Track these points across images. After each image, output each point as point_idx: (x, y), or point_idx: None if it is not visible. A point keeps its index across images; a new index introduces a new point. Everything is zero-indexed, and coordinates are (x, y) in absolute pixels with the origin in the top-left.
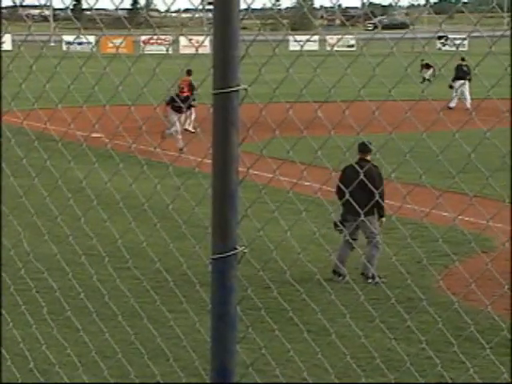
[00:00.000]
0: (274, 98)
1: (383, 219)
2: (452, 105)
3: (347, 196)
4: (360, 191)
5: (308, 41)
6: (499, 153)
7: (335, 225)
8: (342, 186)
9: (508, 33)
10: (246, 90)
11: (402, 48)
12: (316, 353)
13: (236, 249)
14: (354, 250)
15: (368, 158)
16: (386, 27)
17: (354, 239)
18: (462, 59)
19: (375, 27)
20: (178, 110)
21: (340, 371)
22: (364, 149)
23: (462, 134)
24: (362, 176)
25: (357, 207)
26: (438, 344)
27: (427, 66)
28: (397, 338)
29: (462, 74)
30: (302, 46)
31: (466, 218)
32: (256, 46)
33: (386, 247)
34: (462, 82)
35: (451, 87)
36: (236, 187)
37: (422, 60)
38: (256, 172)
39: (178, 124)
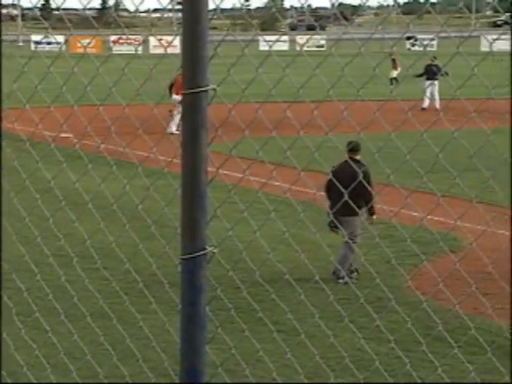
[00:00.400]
0: (243, 98)
1: (374, 217)
2: (425, 105)
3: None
4: (350, 191)
5: (277, 41)
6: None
7: (330, 225)
8: (336, 185)
9: (475, 33)
10: (214, 90)
11: (372, 48)
12: (286, 353)
13: (205, 249)
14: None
15: (357, 157)
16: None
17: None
18: (432, 59)
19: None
20: None
21: (310, 371)
22: (353, 148)
23: (431, 134)
24: (359, 177)
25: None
26: (408, 343)
27: (394, 64)
28: (367, 338)
29: (431, 74)
30: (270, 46)
31: (436, 218)
32: (226, 46)
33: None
34: (431, 82)
35: (419, 76)
36: (205, 187)
37: (391, 55)
38: (226, 172)
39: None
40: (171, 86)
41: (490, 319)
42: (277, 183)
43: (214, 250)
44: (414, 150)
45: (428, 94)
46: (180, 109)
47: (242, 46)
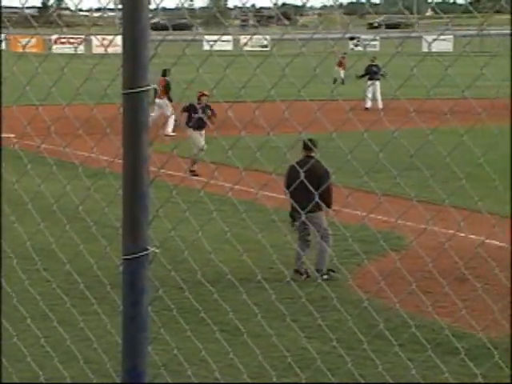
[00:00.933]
0: (184, 98)
1: (330, 211)
2: (368, 105)
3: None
4: (307, 188)
5: (221, 41)
6: (408, 153)
7: (291, 216)
8: (296, 182)
9: (414, 34)
10: (155, 89)
11: (315, 48)
12: (229, 352)
13: (147, 249)
14: (305, 248)
15: (313, 154)
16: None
17: (308, 234)
18: (372, 59)
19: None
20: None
21: (254, 371)
22: (309, 146)
23: (373, 134)
24: (319, 174)
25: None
26: (350, 342)
27: (340, 64)
28: (310, 337)
29: (372, 74)
30: (211, 46)
31: (379, 217)
32: (170, 45)
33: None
34: (372, 82)
35: (362, 76)
36: (147, 187)
37: (345, 53)
38: (170, 172)
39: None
40: (155, 90)
41: (431, 317)
42: (220, 183)
43: (156, 250)
44: (357, 150)
45: (369, 94)
46: (170, 110)
47: (183, 46)
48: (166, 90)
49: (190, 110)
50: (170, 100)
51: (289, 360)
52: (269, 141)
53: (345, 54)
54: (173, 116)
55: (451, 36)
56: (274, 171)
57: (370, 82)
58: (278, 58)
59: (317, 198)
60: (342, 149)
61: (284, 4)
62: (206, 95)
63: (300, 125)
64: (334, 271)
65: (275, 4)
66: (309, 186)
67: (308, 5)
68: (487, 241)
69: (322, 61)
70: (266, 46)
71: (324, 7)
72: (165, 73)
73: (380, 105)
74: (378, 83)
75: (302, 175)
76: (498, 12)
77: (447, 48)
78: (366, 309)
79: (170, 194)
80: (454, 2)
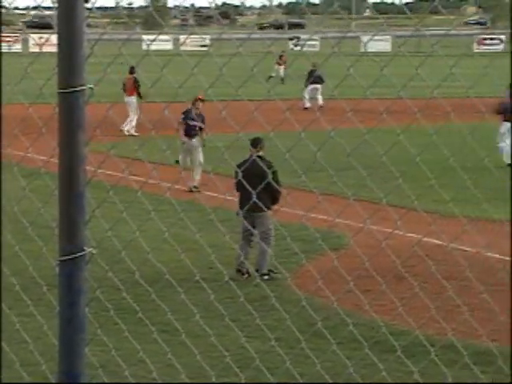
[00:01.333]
0: (120, 98)
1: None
2: (307, 105)
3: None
4: (255, 187)
5: (161, 40)
6: (345, 152)
7: (237, 214)
8: (244, 181)
9: (350, 34)
10: (91, 89)
11: (256, 48)
12: (167, 353)
13: (84, 250)
14: (250, 247)
15: (261, 153)
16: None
17: (251, 235)
18: (314, 65)
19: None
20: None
21: (193, 371)
22: (256, 144)
23: (311, 134)
24: (267, 174)
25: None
26: (290, 341)
27: (280, 61)
28: (251, 336)
29: (314, 78)
30: (148, 46)
31: (320, 216)
32: (108, 45)
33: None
34: (314, 86)
35: (307, 83)
36: (83, 187)
37: (283, 51)
38: (109, 172)
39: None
40: (124, 88)
41: (369, 315)
42: (157, 182)
43: (94, 251)
44: (295, 150)
45: (307, 95)
46: (134, 109)
47: (119, 45)
48: (135, 87)
49: (187, 116)
50: (140, 97)
51: (228, 360)
52: (207, 140)
53: (283, 52)
54: (135, 116)
55: (389, 36)
56: (212, 171)
57: (312, 87)
58: (218, 58)
59: (255, 197)
60: (280, 148)
61: (224, 4)
62: (201, 100)
63: (238, 124)
64: (274, 271)
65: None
66: (247, 185)
67: (247, 4)
68: (426, 239)
69: (260, 61)
70: (206, 46)
71: (263, 7)
72: (132, 70)
73: (320, 101)
74: (319, 86)
75: (241, 175)
76: (434, 13)
77: (385, 48)
78: (305, 308)
79: (107, 194)
80: (393, 3)
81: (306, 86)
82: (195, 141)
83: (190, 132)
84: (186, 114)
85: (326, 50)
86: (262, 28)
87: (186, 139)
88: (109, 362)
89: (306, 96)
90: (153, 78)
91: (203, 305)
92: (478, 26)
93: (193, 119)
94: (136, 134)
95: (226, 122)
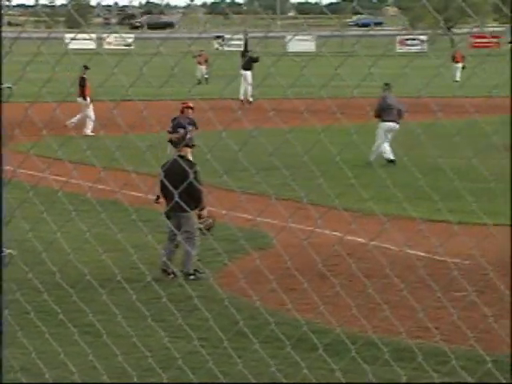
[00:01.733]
0: (40, 97)
1: (204, 212)
2: (242, 97)
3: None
4: (177, 187)
5: (84, 39)
6: (267, 152)
7: (166, 215)
8: (168, 182)
9: (271, 34)
10: (10, 88)
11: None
12: (89, 354)
13: (2, 251)
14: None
15: (183, 153)
16: (151, 27)
17: (176, 235)
18: (247, 51)
19: (137, 27)
20: None
21: (115, 371)
22: (178, 144)
23: (235, 134)
24: (188, 174)
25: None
26: (214, 340)
27: (200, 62)
28: (176, 336)
29: (246, 65)
30: (66, 45)
31: (244, 215)
32: (28, 44)
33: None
34: (246, 71)
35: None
36: (1, 188)
37: (202, 50)
38: (30, 172)
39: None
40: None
41: (293, 314)
42: (78, 182)
43: (14, 252)
44: (217, 149)
45: (242, 91)
46: (88, 109)
47: (38, 44)
48: (80, 87)
49: (175, 124)
50: (84, 98)
51: (150, 360)
52: (128, 140)
53: (201, 51)
54: (91, 116)
55: (313, 36)
56: (133, 170)
57: (243, 71)
58: (142, 57)
59: (177, 197)
60: (202, 148)
61: (148, 2)
62: (191, 108)
63: (159, 124)
64: (200, 271)
65: (133, 2)
66: (168, 186)
67: (172, 3)
68: (350, 238)
69: (180, 60)
70: (130, 45)
71: (188, 6)
72: (84, 69)
73: (249, 96)
74: (249, 73)
75: (162, 175)
76: (356, 13)
77: (310, 48)
78: (229, 307)
79: (27, 195)
80: (316, 3)
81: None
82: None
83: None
84: (174, 123)
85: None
86: (134, 27)
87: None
88: (30, 365)
89: (241, 91)
90: (74, 77)
91: (126, 305)
92: (363, 28)
93: (183, 127)
94: (91, 134)
95: (147, 122)
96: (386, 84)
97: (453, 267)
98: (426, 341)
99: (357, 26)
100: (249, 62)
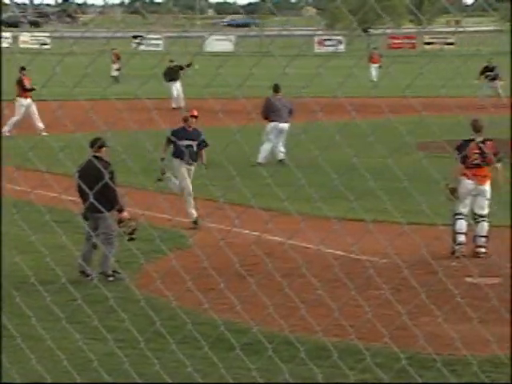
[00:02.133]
0: None
1: (124, 214)
2: (174, 105)
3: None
4: (93, 187)
5: None
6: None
7: (84, 217)
8: (84, 182)
9: (186, 34)
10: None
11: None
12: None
13: None
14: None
15: (99, 154)
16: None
17: (91, 236)
18: (171, 61)
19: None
20: None
21: (30, 375)
22: (93, 144)
23: (150, 133)
24: (103, 174)
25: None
26: (133, 341)
27: (115, 58)
28: (94, 338)
29: (173, 75)
30: None
31: (163, 215)
32: None
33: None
34: (173, 82)
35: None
36: None
37: (113, 49)
38: None
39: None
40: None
41: (211, 314)
42: None
43: None
44: (133, 148)
45: (175, 94)
46: (21, 111)
47: None
48: (18, 87)
49: (177, 135)
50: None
51: (65, 363)
52: (42, 141)
53: (113, 49)
54: (15, 118)
55: (233, 36)
56: (47, 170)
57: (171, 83)
58: (58, 57)
59: (92, 198)
60: (116, 148)
61: (66, 0)
62: (195, 117)
63: (73, 124)
64: (118, 272)
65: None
66: (83, 186)
67: (90, 2)
68: (270, 237)
69: (94, 60)
70: (46, 44)
71: (105, 5)
72: (22, 69)
73: (182, 104)
74: (178, 82)
75: (77, 175)
76: (272, 14)
77: (229, 48)
78: (148, 308)
79: None
80: (235, 3)
81: (168, 81)
82: (192, 168)
83: (179, 154)
84: (175, 133)
85: (171, 49)
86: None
87: (180, 164)
88: None
89: (175, 94)
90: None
91: (41, 308)
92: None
93: (186, 138)
94: (8, 134)
95: (60, 122)
96: (276, 85)
97: (369, 265)
98: (342, 339)
99: (230, 26)
100: (176, 72)
